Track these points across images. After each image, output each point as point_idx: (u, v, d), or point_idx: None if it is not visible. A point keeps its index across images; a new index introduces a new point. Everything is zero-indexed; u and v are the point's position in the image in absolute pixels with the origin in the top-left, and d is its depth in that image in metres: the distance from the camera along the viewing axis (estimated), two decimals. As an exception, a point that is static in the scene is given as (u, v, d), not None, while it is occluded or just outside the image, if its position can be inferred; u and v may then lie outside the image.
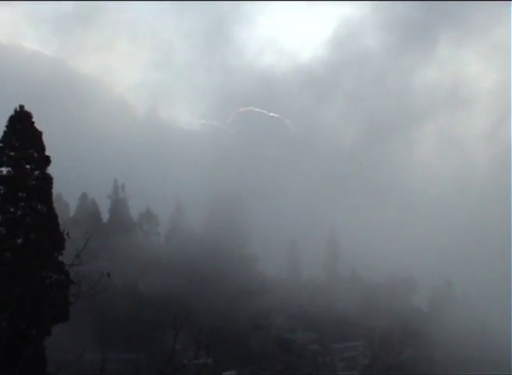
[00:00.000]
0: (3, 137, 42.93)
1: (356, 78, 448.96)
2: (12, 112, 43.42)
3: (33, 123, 43.47)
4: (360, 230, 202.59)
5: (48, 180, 43.29)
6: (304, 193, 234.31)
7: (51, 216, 42.96)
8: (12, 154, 42.67)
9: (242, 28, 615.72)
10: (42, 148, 43.49)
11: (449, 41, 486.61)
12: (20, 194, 42.24)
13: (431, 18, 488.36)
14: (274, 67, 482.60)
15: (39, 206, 42.70)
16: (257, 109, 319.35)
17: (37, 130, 43.45)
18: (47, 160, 43.58)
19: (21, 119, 43.07)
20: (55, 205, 44.80)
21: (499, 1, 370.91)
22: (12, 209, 42.04)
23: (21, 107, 43.39)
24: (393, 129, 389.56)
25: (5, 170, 42.65)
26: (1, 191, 42.05)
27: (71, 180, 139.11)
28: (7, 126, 43.01)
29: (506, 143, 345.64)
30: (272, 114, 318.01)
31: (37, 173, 43.15)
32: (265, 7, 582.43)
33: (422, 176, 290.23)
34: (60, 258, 41.98)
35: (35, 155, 43.18)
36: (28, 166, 42.96)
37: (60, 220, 44.07)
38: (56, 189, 45.80)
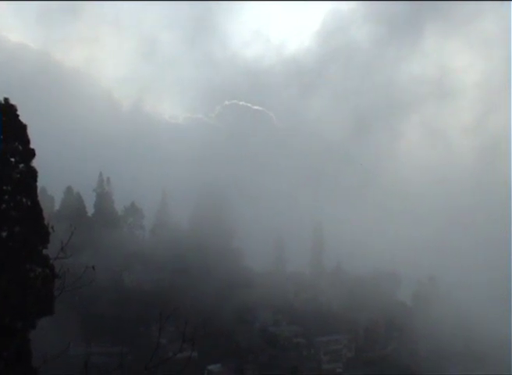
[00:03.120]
0: (-13, 129, 42.72)
1: (342, 70, 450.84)
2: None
3: (17, 115, 43.22)
4: (345, 225, 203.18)
5: (32, 174, 43.10)
6: (288, 187, 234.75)
7: (36, 209, 42.79)
8: (-3, 147, 42.45)
9: (228, 20, 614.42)
10: (27, 141, 43.25)
11: (434, 34, 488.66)
12: (5, 187, 41.99)
13: (417, 11, 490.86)
14: (260, 60, 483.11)
15: (24, 200, 42.49)
16: (241, 103, 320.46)
17: (21, 122, 43.19)
18: (31, 153, 43.36)
19: (5, 112, 42.82)
20: (40, 198, 44.61)
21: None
22: (-4, 203, 41.86)
23: (6, 100, 43.12)
24: (379, 121, 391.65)
25: (-11, 163, 42.44)
26: (-14, 185, 41.87)
27: (56, 173, 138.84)
28: (-9, 119, 42.78)
29: (492, 134, 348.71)
30: (256, 107, 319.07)
31: (21, 166, 42.92)
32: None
33: (408, 171, 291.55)
34: (45, 251, 41.86)
35: (20, 148, 42.92)
36: (13, 159, 42.71)
37: (45, 214, 43.88)
38: (41, 182, 45.67)
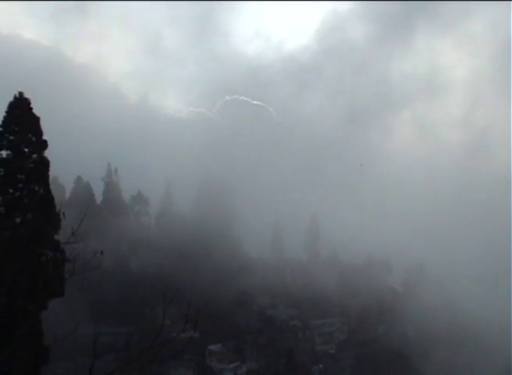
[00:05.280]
0: (3, 122, 42.79)
1: (339, 68, 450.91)
2: (11, 99, 43.29)
3: (31, 108, 43.34)
4: (339, 214, 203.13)
5: (45, 164, 43.23)
6: (286, 179, 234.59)
7: (48, 197, 42.93)
8: (12, 138, 42.53)
9: (230, 19, 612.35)
10: (40, 132, 43.39)
11: (426, 33, 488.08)
12: (19, 176, 42.15)
13: (409, 11, 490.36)
14: (260, 57, 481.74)
15: (36, 188, 42.64)
16: (242, 98, 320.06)
17: (35, 115, 43.33)
18: (44, 144, 43.51)
19: (20, 105, 42.92)
20: (52, 187, 44.72)
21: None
22: (11, 191, 41.97)
23: (20, 93, 43.25)
24: (373, 116, 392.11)
25: (4, 153, 42.55)
26: (1, 173, 42.01)
27: (67, 163, 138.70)
28: (7, 112, 42.86)
29: (479, 129, 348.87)
30: (256, 102, 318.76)
31: (34, 156, 43.06)
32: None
33: (400, 164, 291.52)
34: (56, 237, 41.99)
35: (33, 139, 43.07)
36: (26, 150, 42.85)
37: (56, 201, 44.00)
38: (53, 172, 45.69)
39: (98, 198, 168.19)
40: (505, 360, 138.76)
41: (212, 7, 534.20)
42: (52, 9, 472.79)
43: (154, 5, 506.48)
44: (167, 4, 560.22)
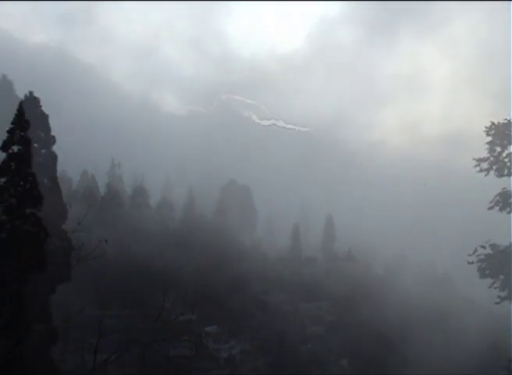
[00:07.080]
0: (14, 119, 42.96)
1: (327, 69, 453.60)
2: (22, 98, 43.43)
3: (40, 107, 43.52)
4: (327, 204, 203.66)
5: (53, 158, 43.48)
6: (278, 171, 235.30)
7: (56, 189, 43.11)
8: (22, 134, 42.68)
9: (227, 23, 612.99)
10: (48, 129, 43.64)
11: (409, 36, 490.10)
12: (29, 169, 42.32)
13: (394, 16, 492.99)
14: (255, 59, 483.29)
15: (45, 181, 42.80)
16: (237, 97, 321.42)
17: (44, 113, 43.56)
18: (52, 140, 43.77)
19: (30, 104, 43.04)
20: (59, 180, 44.93)
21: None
22: (21, 183, 42.13)
23: (30, 93, 43.45)
24: (359, 112, 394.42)
25: (16, 148, 42.72)
26: (13, 167, 42.15)
27: (73, 158, 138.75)
28: (18, 110, 43.02)
29: (457, 125, 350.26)
30: (250, 101, 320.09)
31: (43, 151, 43.31)
32: (250, 4, 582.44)
33: (385, 156, 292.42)
34: (63, 226, 42.21)
35: (42, 135, 43.32)
36: (36, 145, 43.03)
37: (63, 194, 44.20)
38: (60, 166, 45.88)
39: (103, 190, 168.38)
40: (479, 343, 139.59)
41: (210, 11, 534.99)
42: (60, 13, 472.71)
43: (155, 7, 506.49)
44: (168, 8, 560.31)
